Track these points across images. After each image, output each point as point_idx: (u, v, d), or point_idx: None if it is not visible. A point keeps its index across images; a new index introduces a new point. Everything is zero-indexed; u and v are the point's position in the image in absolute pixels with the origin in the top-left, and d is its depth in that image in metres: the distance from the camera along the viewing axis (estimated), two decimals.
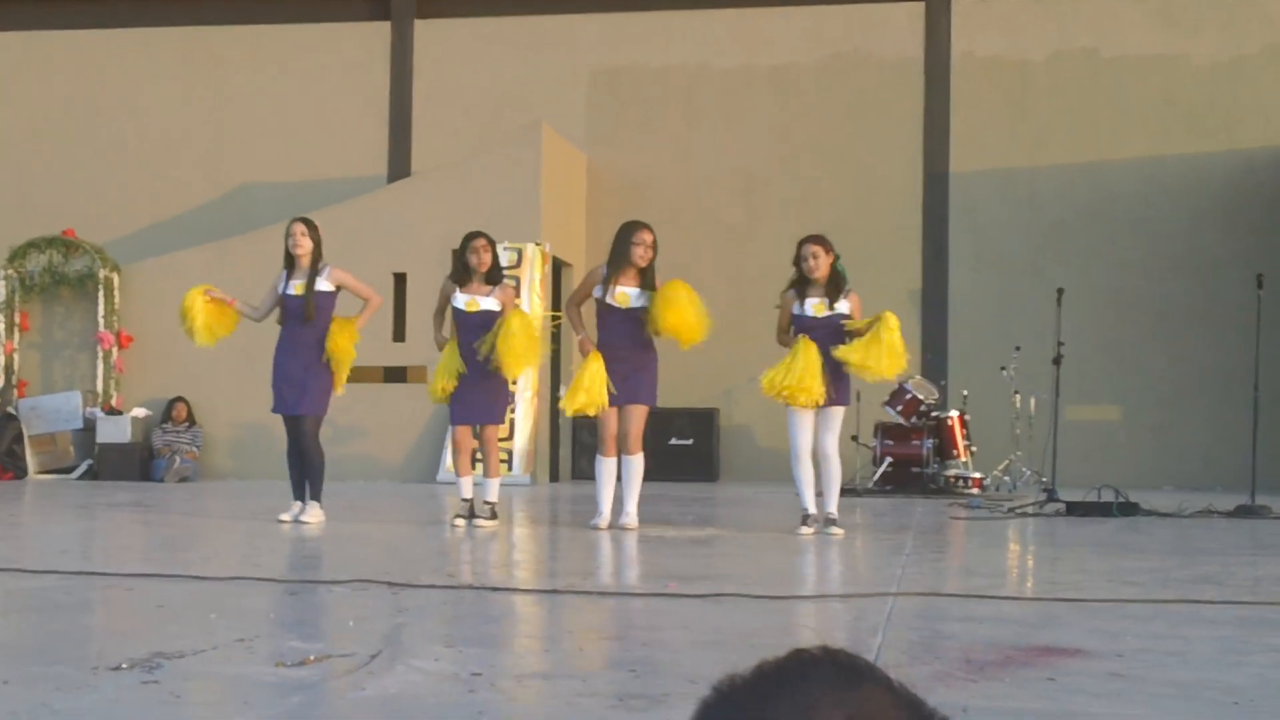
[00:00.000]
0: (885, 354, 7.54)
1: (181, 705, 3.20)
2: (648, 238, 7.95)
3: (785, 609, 4.97)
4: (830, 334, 7.75)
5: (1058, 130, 14.04)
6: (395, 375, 13.68)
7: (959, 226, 14.14)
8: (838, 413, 7.85)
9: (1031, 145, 14.06)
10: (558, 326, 12.95)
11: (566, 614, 4.83)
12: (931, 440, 11.90)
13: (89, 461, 13.17)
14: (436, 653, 3.80)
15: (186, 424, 13.18)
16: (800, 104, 14.48)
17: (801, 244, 7.91)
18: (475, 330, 8.13)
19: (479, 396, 8.17)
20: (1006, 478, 12.09)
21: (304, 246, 8.23)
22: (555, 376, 13.23)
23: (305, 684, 3.39)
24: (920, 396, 11.97)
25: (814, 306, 7.82)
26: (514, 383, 9.41)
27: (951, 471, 11.89)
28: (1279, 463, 12.40)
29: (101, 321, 13.56)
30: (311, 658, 3.66)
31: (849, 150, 14.32)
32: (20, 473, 13.00)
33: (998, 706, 3.20)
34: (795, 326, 7.87)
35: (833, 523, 7.84)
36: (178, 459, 12.80)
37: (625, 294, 7.94)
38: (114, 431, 13.06)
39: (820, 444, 7.85)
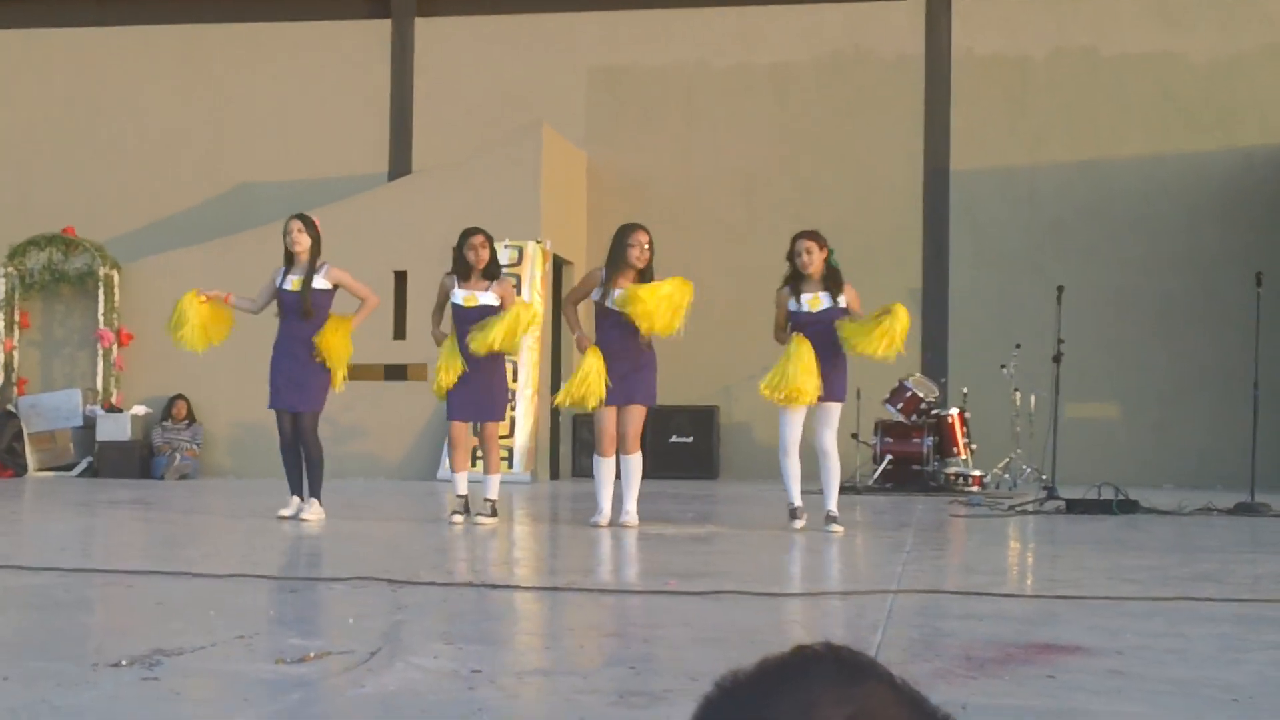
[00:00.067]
0: (881, 335, 7.54)
1: (181, 702, 3.21)
2: (643, 239, 7.95)
3: (785, 606, 4.97)
4: (826, 329, 7.76)
5: (1057, 128, 14.04)
6: (396, 373, 13.68)
7: (959, 225, 14.13)
8: (835, 408, 7.86)
9: (1031, 143, 14.06)
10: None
11: (567, 611, 4.84)
12: (932, 438, 11.91)
13: (89, 459, 13.17)
14: (436, 650, 3.80)
15: (186, 422, 13.18)
16: (800, 102, 14.47)
17: (795, 240, 7.93)
18: (473, 325, 8.13)
19: (477, 393, 8.16)
20: (1006, 475, 12.09)
21: (301, 243, 8.23)
22: (556, 374, 13.23)
23: (305, 681, 3.39)
24: (920, 394, 11.98)
25: (809, 302, 7.83)
26: (513, 379, 9.40)
27: (951, 469, 11.89)
28: (1278, 461, 12.41)
29: (101, 319, 13.55)
30: (311, 655, 3.66)
31: (849, 149, 14.31)
32: (20, 470, 13.00)
33: (998, 704, 3.20)
34: (791, 322, 7.88)
35: (833, 520, 7.84)
36: (178, 456, 12.80)
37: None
38: (114, 429, 13.06)
39: (819, 440, 7.85)
